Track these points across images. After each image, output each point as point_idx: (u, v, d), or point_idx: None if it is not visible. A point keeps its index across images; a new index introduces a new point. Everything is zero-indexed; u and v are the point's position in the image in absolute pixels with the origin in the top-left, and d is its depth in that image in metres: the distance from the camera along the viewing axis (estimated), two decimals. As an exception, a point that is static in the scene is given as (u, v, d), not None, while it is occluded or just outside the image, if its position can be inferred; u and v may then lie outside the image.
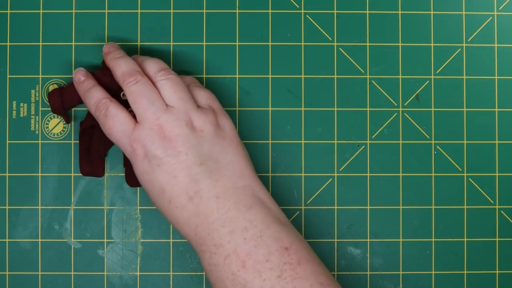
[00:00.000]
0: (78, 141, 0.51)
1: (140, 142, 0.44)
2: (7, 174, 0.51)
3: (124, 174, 0.51)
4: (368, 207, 0.52)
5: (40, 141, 0.51)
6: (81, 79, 0.48)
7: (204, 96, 0.47)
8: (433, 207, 0.52)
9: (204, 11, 0.52)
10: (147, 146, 0.44)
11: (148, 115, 0.44)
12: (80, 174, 0.51)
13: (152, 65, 0.46)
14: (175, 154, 0.43)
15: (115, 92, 0.48)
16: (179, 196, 0.43)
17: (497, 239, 0.52)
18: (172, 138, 0.44)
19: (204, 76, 0.52)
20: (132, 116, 0.45)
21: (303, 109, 0.52)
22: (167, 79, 0.45)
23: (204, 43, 0.52)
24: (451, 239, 0.52)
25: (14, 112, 0.51)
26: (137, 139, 0.44)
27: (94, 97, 0.46)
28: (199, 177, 0.43)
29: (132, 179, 0.50)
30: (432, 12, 0.52)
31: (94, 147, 0.50)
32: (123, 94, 0.48)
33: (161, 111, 0.44)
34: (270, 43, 0.52)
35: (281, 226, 0.43)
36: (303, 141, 0.52)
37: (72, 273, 0.51)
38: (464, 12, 0.52)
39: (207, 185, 0.43)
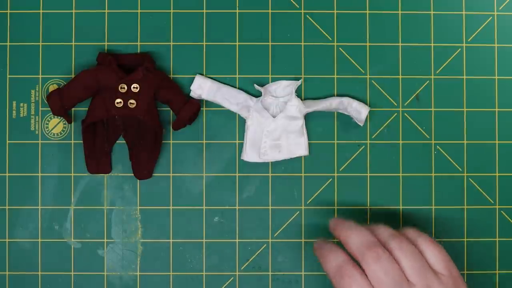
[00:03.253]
0: (78, 141, 0.51)
1: None
2: (7, 174, 0.51)
3: (123, 174, 0.51)
4: (368, 207, 0.52)
5: (40, 141, 0.51)
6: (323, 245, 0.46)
7: (439, 258, 0.45)
8: (433, 207, 0.52)
9: (204, 11, 0.52)
10: None
11: None
12: (80, 174, 0.51)
13: (383, 232, 0.45)
14: None
15: (112, 86, 0.48)
16: None
17: (497, 239, 0.52)
18: None
19: (204, 76, 0.52)
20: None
21: (303, 109, 0.52)
22: (402, 250, 0.44)
23: (204, 43, 0.52)
24: (451, 239, 0.52)
25: (14, 112, 0.51)
26: None
27: (336, 260, 0.44)
28: None
29: (139, 172, 0.50)
30: (432, 12, 0.52)
31: (98, 144, 0.50)
32: (121, 87, 0.48)
33: None
34: (270, 43, 0.52)
35: None
36: (303, 141, 0.52)
37: (72, 273, 0.51)
38: (464, 12, 0.52)
39: None
